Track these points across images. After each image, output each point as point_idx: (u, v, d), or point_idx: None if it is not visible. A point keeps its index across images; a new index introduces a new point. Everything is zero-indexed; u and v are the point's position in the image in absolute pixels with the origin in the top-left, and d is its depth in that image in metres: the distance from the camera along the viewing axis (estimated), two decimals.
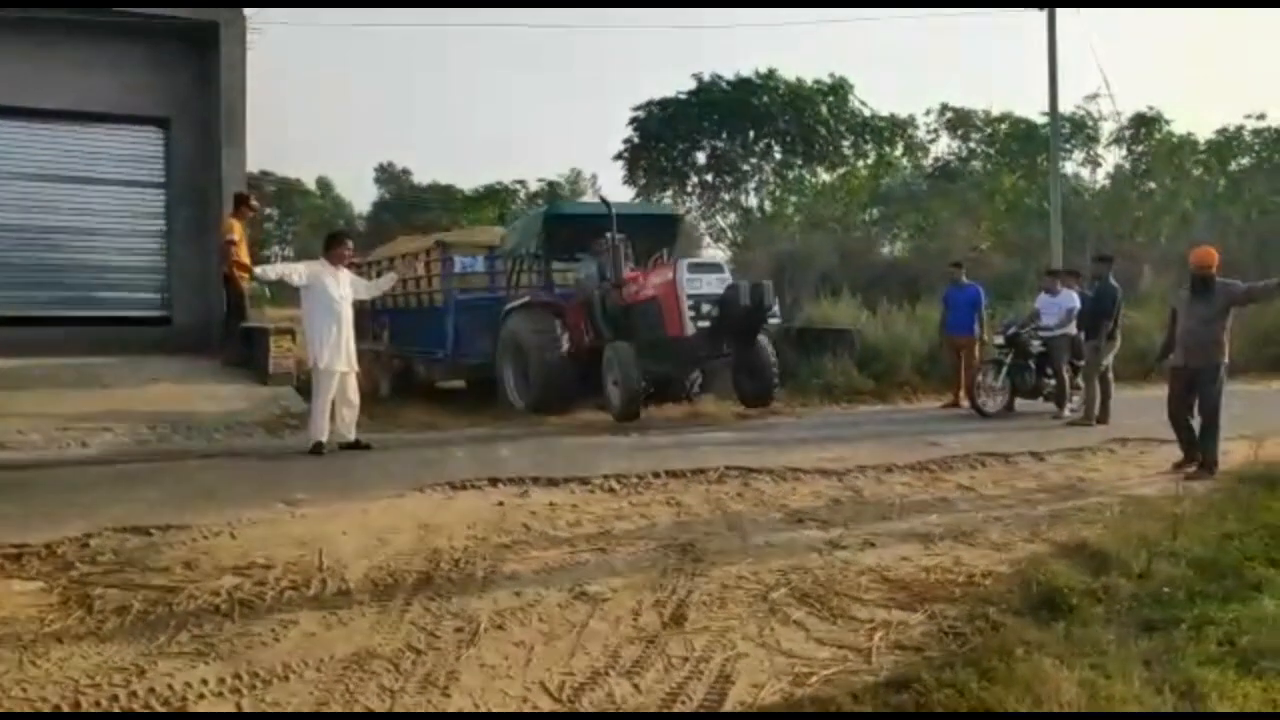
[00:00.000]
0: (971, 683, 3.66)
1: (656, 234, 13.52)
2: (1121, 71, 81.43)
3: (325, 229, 11.46)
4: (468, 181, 61.24)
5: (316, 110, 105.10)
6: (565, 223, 12.97)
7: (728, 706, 3.71)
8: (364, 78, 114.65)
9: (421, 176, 61.57)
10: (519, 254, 13.65)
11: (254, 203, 13.57)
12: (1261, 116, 26.36)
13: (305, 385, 10.21)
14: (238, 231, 12.53)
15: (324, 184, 65.06)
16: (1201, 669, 3.76)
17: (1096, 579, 4.89)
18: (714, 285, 11.05)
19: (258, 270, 11.43)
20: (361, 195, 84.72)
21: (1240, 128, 26.55)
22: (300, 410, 10.45)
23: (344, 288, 9.47)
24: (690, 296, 10.89)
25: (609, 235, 12.28)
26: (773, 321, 12.20)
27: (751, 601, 4.86)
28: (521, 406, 12.40)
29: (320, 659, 4.05)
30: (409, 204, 54.22)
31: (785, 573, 5.29)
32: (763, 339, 11.86)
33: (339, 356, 9.31)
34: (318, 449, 9.13)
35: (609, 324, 12.04)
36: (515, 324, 12.53)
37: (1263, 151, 26.28)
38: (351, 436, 9.46)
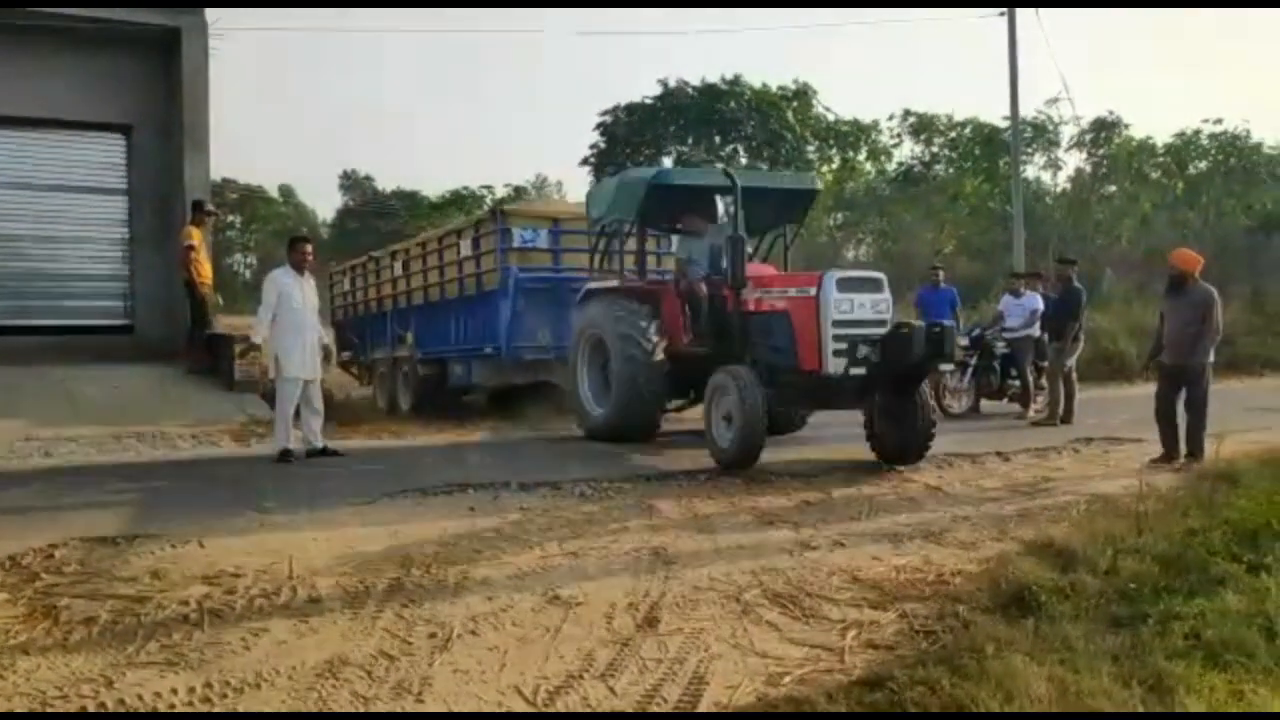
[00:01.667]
0: (943, 680, 3.69)
1: (780, 211, 10.36)
2: (1081, 76, 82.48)
3: (288, 236, 11.08)
4: (432, 187, 60.98)
5: (279, 117, 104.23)
6: (672, 193, 10.05)
7: (702, 707, 3.72)
8: (327, 84, 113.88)
9: (385, 183, 61.19)
10: (607, 225, 10.81)
11: (210, 208, 13.43)
12: (1218, 121, 26.82)
13: (272, 393, 10.13)
14: (197, 238, 12.45)
15: (287, 191, 64.47)
16: (1168, 663, 3.81)
17: (1064, 576, 4.93)
18: (869, 310, 8.17)
19: (257, 340, 9.87)
20: (325, 202, 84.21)
21: (1198, 132, 27.02)
22: (266, 418, 10.37)
23: (307, 293, 9.42)
24: (839, 324, 8.05)
25: (723, 214, 9.77)
26: None
27: (724, 603, 4.87)
28: (597, 417, 10.19)
29: (292, 667, 4.02)
30: (373, 210, 53.89)
31: (757, 574, 5.31)
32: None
33: (304, 363, 9.26)
34: (285, 457, 9.07)
35: (715, 330, 9.38)
36: (596, 313, 10.12)
37: (1219, 155, 26.70)
38: (319, 444, 9.40)
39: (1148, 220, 26.26)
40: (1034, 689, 3.58)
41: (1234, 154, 26.31)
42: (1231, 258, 25.24)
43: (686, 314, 9.80)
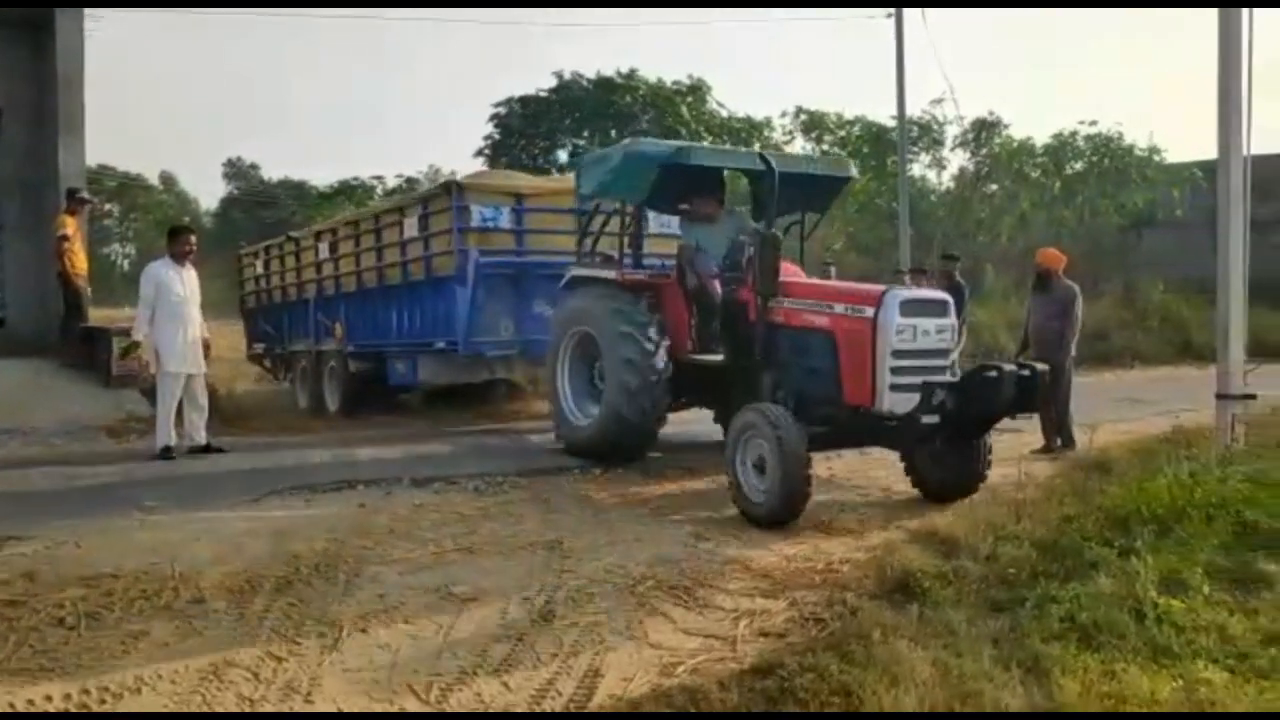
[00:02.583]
0: (832, 666, 3.77)
1: (807, 199, 8.68)
2: (965, 78, 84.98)
3: (169, 226, 10.48)
4: (321, 177, 59.74)
5: (159, 103, 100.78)
6: (687, 173, 8.26)
7: (597, 700, 3.73)
8: (211, 70, 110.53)
9: (272, 172, 59.76)
10: (603, 205, 9.24)
11: (85, 196, 12.88)
12: (1094, 122, 27.86)
13: (152, 388, 9.79)
14: (72, 228, 11.95)
15: (168, 179, 62.48)
16: (1045, 645, 3.96)
17: (947, 563, 5.09)
18: (933, 337, 6.71)
19: (138, 338, 9.24)
20: (208, 191, 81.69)
21: (1074, 132, 28.02)
22: (146, 414, 10.03)
23: (189, 286, 9.14)
24: (900, 354, 6.56)
25: (747, 208, 8.36)
26: None
27: (619, 595, 4.89)
28: (582, 429, 8.64)
29: (174, 670, 3.90)
30: (259, 200, 52.55)
31: (652, 565, 5.35)
32: None
33: (186, 357, 9.00)
34: (166, 453, 8.81)
35: (731, 340, 7.84)
36: (585, 305, 8.65)
37: (1094, 156, 27.72)
38: (202, 440, 9.14)
39: (1026, 218, 27.16)
40: (919, 673, 3.69)
41: (1108, 155, 27.33)
42: (1105, 255, 26.30)
43: (694, 315, 8.37)
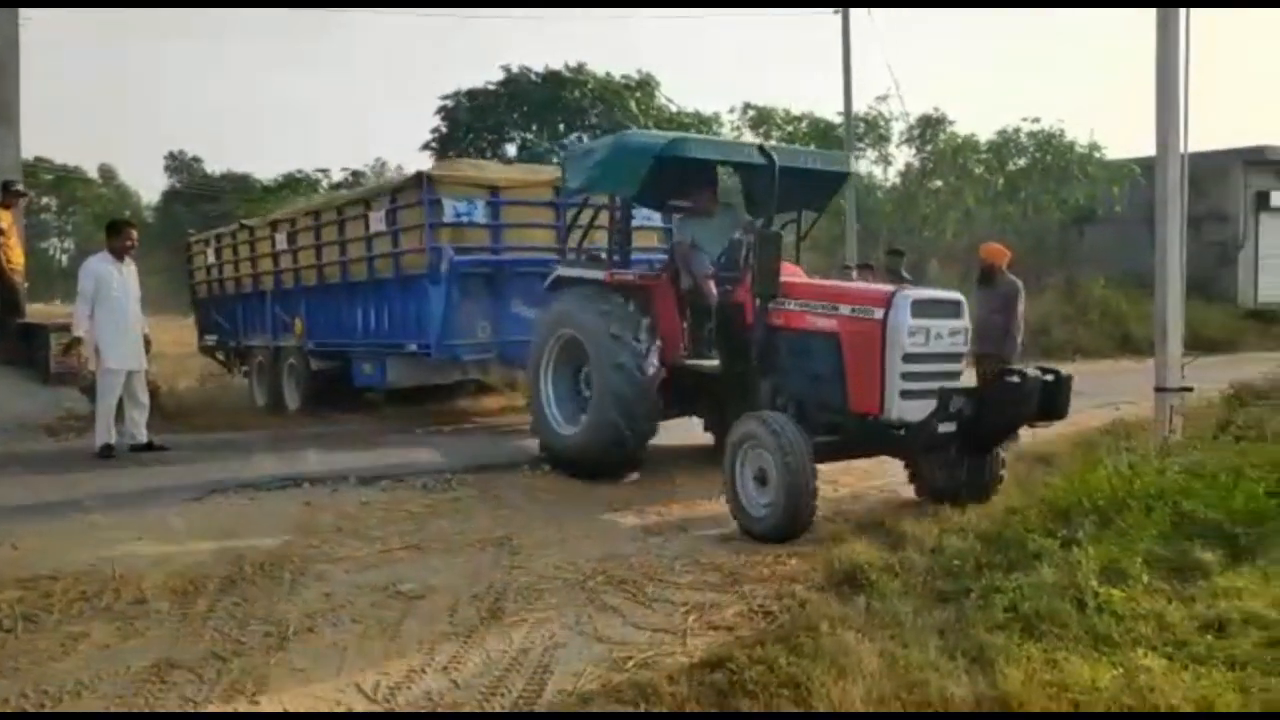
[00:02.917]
0: (781, 658, 3.79)
1: (805, 195, 8.12)
2: (911, 75, 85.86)
3: (109, 220, 10.11)
4: (265, 170, 58.94)
5: (99, 95, 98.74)
6: (680, 168, 7.85)
7: (547, 695, 3.72)
8: (153, 62, 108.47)
9: (215, 165, 58.88)
10: (594, 197, 8.72)
11: (20, 189, 12.56)
12: (1036, 119, 28.23)
13: (92, 386, 9.59)
14: (7, 221, 11.66)
15: (107, 172, 61.40)
16: (989, 635, 4.02)
17: (893, 555, 5.14)
18: (946, 340, 6.27)
19: (79, 334, 8.95)
20: (149, 184, 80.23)
21: (1017, 129, 28.38)
22: (85, 411, 9.83)
23: (129, 281, 8.98)
24: (911, 358, 6.11)
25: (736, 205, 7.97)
26: None
27: (569, 591, 4.89)
28: (567, 439, 7.89)
29: (115, 672, 3.84)
30: (202, 193, 51.72)
31: (602, 561, 5.35)
32: None
33: (127, 354, 8.84)
34: (106, 452, 8.65)
35: (727, 344, 7.38)
36: (571, 307, 7.96)
37: (1037, 152, 28.10)
38: (143, 438, 8.98)
39: (971, 214, 27.47)
40: (866, 664, 3.72)
41: (1050, 151, 27.70)
42: (1047, 250, 26.71)
43: (687, 317, 7.83)
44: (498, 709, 3.63)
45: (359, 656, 4.07)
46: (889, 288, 6.52)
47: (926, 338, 6.14)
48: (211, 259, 14.79)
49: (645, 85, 33.49)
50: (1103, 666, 3.71)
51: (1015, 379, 6.07)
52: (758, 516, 5.97)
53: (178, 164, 60.47)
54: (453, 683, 3.83)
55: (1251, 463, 6.06)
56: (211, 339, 14.90)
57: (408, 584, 4.97)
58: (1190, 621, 4.14)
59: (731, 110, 35.22)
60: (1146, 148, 9.67)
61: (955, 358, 6.39)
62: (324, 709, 3.61)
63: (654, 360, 7.43)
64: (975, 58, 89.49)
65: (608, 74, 33.37)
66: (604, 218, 8.56)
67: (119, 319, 8.82)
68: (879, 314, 6.15)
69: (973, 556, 5.00)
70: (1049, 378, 6.11)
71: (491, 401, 11.91)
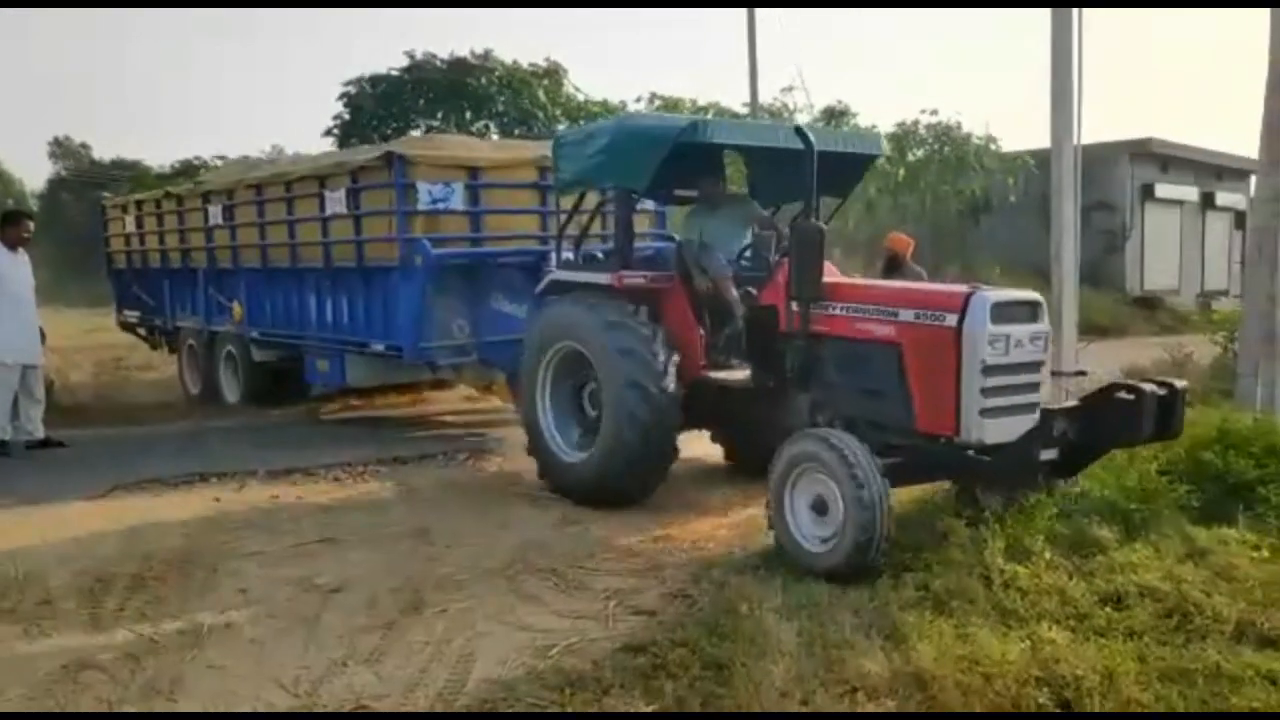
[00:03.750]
0: (702, 640, 3.87)
1: (834, 178, 6.76)
2: (814, 67, 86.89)
3: (4, 211, 9.52)
4: (156, 156, 57.02)
5: None
6: (699, 154, 6.85)
7: (470, 685, 3.73)
8: (35, 43, 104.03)
9: (104, 151, 56.77)
10: (596, 189, 7.58)
11: None
12: (934, 112, 28.85)
13: None
14: None
15: None
16: (902, 612, 4.16)
17: None
18: (1028, 347, 5.26)
19: None
20: (34, 171, 77.08)
21: (916, 121, 28.98)
22: None
23: (22, 273, 8.65)
24: (992, 370, 5.09)
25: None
26: None
27: (490, 580, 4.90)
28: (575, 466, 6.75)
29: (23, 674, 3.73)
30: (91, 181, 49.85)
31: (523, 549, 5.37)
32: None
33: (22, 348, 8.53)
34: (1, 449, 8.33)
35: (759, 356, 6.41)
36: (571, 315, 6.85)
37: (935, 144, 28.73)
38: (40, 434, 8.67)
39: (872, 204, 27.98)
40: (785, 643, 3.83)
41: (948, 143, 28.36)
42: (946, 239, 27.39)
43: (705, 324, 6.85)
44: (422, 699, 3.63)
45: (278, 651, 4.03)
46: (962, 288, 5.49)
47: (1007, 346, 5.20)
48: (131, 227, 13.48)
49: (553, 74, 33.31)
50: (1011, 640, 3.87)
51: (1129, 395, 5.31)
52: (814, 552, 5.00)
53: (63, 150, 58.17)
54: (375, 675, 3.81)
55: None
56: (132, 315, 13.68)
57: (324, 577, 4.93)
58: (1090, 595, 4.35)
59: (638, 100, 35.31)
60: (1039, 139, 9.97)
61: (1036, 367, 5.44)
62: (245, 708, 3.57)
63: (673, 377, 6.44)
64: (877, 52, 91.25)
65: (514, 61, 33.11)
66: (591, 201, 7.72)
67: (21, 311, 8.51)
68: (952, 320, 5.22)
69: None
70: (1163, 392, 5.37)
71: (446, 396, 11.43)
